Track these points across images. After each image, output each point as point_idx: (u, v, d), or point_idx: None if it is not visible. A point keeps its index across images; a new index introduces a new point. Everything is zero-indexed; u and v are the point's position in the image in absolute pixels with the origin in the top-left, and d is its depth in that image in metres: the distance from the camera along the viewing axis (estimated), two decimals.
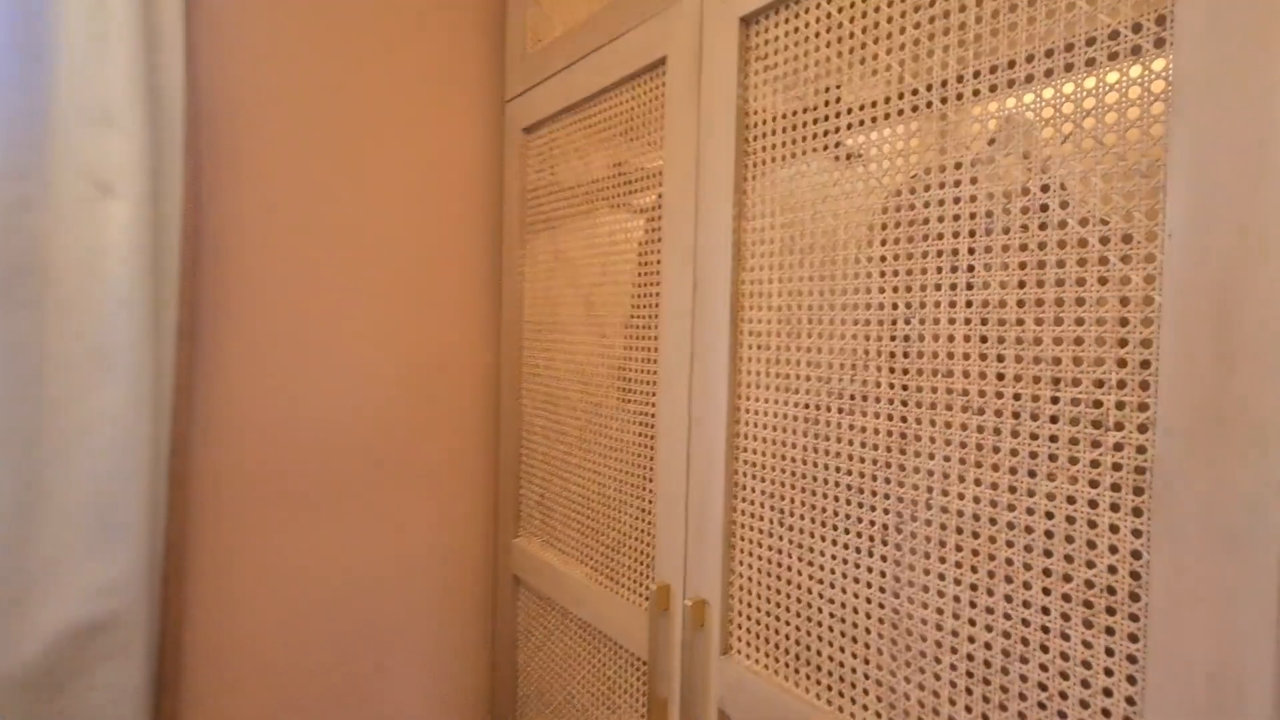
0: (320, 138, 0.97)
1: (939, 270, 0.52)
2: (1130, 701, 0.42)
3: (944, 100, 0.52)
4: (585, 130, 0.93)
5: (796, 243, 0.63)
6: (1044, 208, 0.46)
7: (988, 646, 0.49)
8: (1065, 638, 0.45)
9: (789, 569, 0.64)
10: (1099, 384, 0.44)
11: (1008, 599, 0.48)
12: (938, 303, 0.52)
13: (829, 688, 0.61)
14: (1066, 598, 0.45)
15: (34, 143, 0.72)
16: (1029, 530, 0.47)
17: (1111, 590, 0.43)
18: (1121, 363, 0.43)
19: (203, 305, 0.90)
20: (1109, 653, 0.43)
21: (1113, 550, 0.43)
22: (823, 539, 0.61)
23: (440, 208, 1.08)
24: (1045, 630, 0.46)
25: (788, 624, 0.64)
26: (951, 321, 0.51)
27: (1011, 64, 0.48)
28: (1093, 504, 0.44)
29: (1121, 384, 0.43)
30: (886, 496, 0.56)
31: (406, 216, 1.05)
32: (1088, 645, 0.44)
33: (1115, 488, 0.43)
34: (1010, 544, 0.48)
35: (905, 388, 0.55)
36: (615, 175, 0.88)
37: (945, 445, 0.52)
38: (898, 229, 0.55)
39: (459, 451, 1.12)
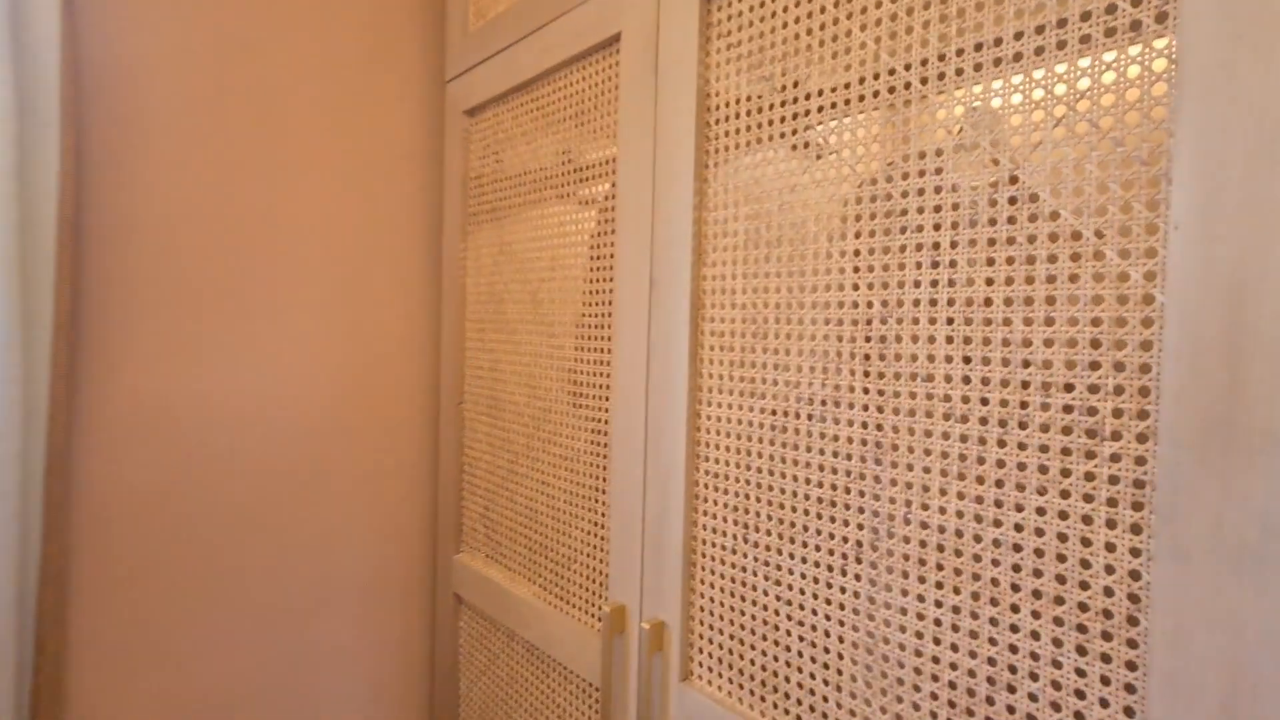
0: (233, 114, 0.87)
1: (918, 265, 0.48)
2: None
3: (924, 81, 0.48)
4: (533, 113, 0.86)
5: (762, 235, 0.59)
6: (1034, 197, 0.43)
7: (971, 674, 0.45)
8: (1057, 665, 0.42)
9: (754, 588, 0.59)
10: (1094, 389, 0.40)
11: (993, 622, 0.44)
12: (916, 300, 0.48)
13: (797, 717, 0.56)
14: (1058, 621, 0.42)
15: None
16: (1017, 548, 0.43)
17: (1108, 614, 0.40)
18: (1119, 366, 0.39)
19: (86, 300, 0.79)
20: (1104, 681, 0.40)
21: (1109, 570, 0.40)
22: (791, 556, 0.56)
23: (373, 195, 0.99)
24: (1035, 657, 0.43)
25: (753, 648, 0.59)
26: (931, 321, 0.47)
27: (998, 41, 0.44)
28: (1087, 520, 0.40)
29: (1119, 390, 0.39)
30: (860, 510, 0.51)
31: (334, 204, 0.95)
32: (1081, 673, 0.41)
33: (1112, 502, 0.39)
34: (996, 562, 0.44)
35: (881, 392, 0.50)
36: (565, 162, 0.81)
37: (924, 455, 0.48)
38: (872, 220, 0.51)
39: (394, 461, 1.03)
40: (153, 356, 0.83)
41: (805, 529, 0.55)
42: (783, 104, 0.57)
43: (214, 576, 0.88)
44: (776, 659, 0.58)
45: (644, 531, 0.68)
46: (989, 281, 0.45)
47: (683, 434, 0.64)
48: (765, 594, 0.58)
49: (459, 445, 1.01)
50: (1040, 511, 0.42)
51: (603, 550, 0.75)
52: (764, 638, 0.58)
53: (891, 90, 0.50)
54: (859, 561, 0.52)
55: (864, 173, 0.51)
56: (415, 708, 1.07)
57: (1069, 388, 0.41)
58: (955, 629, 0.46)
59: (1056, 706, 0.42)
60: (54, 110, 0.69)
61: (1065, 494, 0.41)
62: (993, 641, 0.44)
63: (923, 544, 0.48)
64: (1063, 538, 0.41)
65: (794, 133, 0.56)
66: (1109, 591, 0.39)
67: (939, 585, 0.47)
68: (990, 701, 0.45)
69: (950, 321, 0.46)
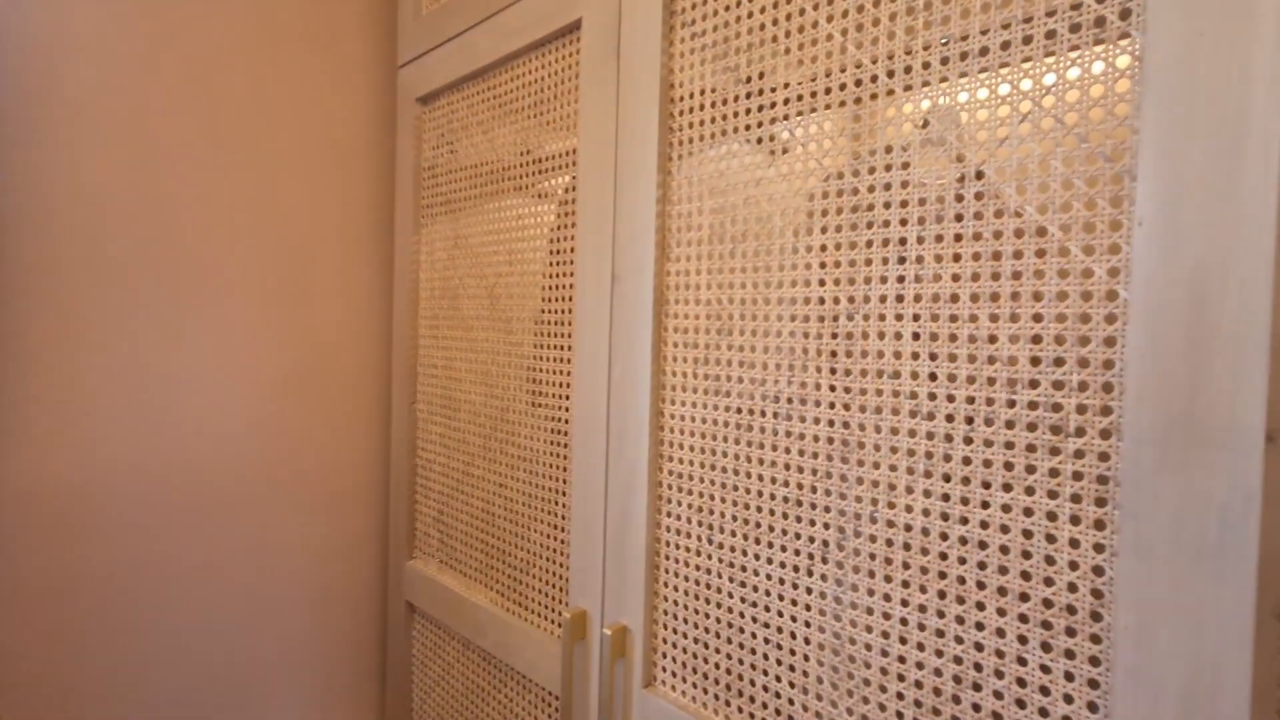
0: (164, 94, 0.81)
1: (884, 261, 0.48)
2: None
3: (890, 74, 0.47)
4: (490, 102, 0.83)
5: (727, 230, 0.57)
6: (999, 193, 0.42)
7: (938, 673, 0.45)
8: (1022, 662, 0.42)
9: (719, 590, 0.58)
10: (1058, 386, 0.40)
11: (959, 620, 0.44)
12: (883, 297, 0.48)
13: None
14: (1023, 618, 0.41)
15: None
16: (983, 546, 0.43)
17: (1072, 610, 0.40)
18: (1083, 363, 0.39)
19: (1, 289, 0.72)
20: (1069, 677, 0.40)
21: (1073, 567, 0.40)
22: (756, 557, 0.55)
23: (319, 184, 0.94)
24: (1000, 654, 0.42)
25: (718, 651, 0.58)
26: (898, 318, 0.47)
27: (965, 36, 0.44)
28: (1051, 516, 0.40)
29: (1083, 386, 0.39)
30: (827, 509, 0.51)
31: (276, 193, 0.90)
32: (1046, 670, 0.41)
33: (1076, 499, 0.39)
34: (963, 560, 0.44)
35: (848, 390, 0.50)
36: (524, 153, 0.79)
37: (891, 453, 0.47)
38: (839, 216, 0.50)
39: (343, 464, 0.98)
40: (74, 350, 0.76)
41: (771, 529, 0.54)
42: (748, 96, 0.56)
43: (146, 585, 0.82)
44: (742, 662, 0.56)
45: (606, 534, 0.66)
46: (955, 278, 0.44)
47: (646, 433, 0.62)
48: (730, 596, 0.57)
49: (412, 446, 0.97)
50: (1006, 509, 0.42)
51: (563, 554, 0.73)
52: (729, 640, 0.57)
53: (859, 84, 0.49)
54: (825, 561, 0.51)
55: (830, 167, 0.51)
56: (367, 718, 1.03)
57: (1034, 384, 0.41)
58: (922, 628, 0.46)
59: (1021, 704, 0.42)
60: None
61: (1030, 491, 0.41)
62: (959, 640, 0.44)
63: (889, 543, 0.47)
64: (1028, 534, 0.41)
65: (759, 125, 0.55)
66: (1073, 587, 0.40)
67: (905, 584, 0.47)
68: (956, 700, 0.44)
69: (917, 318, 0.46)
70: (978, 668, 0.43)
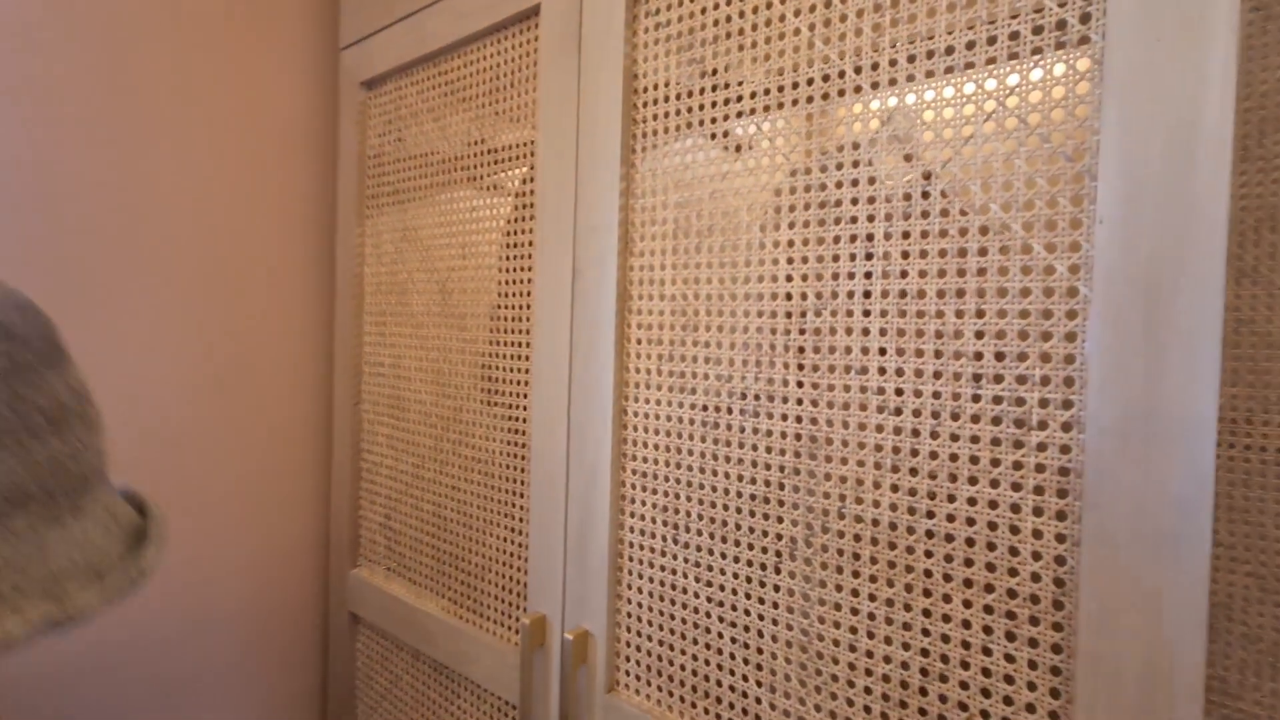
0: (73, 69, 0.74)
1: (851, 257, 0.48)
2: (1053, 716, 0.40)
3: (858, 70, 0.47)
4: (442, 88, 0.80)
5: (693, 224, 0.56)
6: (965, 190, 0.43)
7: (905, 666, 0.45)
8: (987, 652, 0.42)
9: (684, 590, 0.57)
10: (1021, 380, 0.41)
11: (926, 614, 0.45)
12: (850, 293, 0.48)
13: None
14: (988, 609, 0.42)
15: None
16: (949, 539, 0.44)
17: (1035, 599, 0.41)
18: (1045, 358, 0.40)
19: None
20: (1032, 665, 0.41)
21: (1036, 557, 0.40)
22: (723, 556, 0.55)
23: (255, 173, 0.88)
24: (966, 645, 0.43)
25: (683, 653, 0.57)
26: (865, 313, 0.47)
27: (930, 36, 0.44)
28: (1015, 508, 0.41)
29: (1045, 380, 0.40)
30: (795, 506, 0.51)
31: (204, 180, 0.84)
32: (1010, 659, 0.41)
33: (1039, 490, 0.40)
34: (929, 554, 0.44)
35: (815, 386, 0.49)
36: (478, 142, 0.76)
37: (859, 449, 0.47)
38: (806, 211, 0.50)
39: (281, 468, 0.92)
40: None
41: (738, 527, 0.54)
42: (714, 89, 0.55)
43: None
44: (708, 662, 0.56)
45: (567, 536, 0.64)
46: (922, 274, 0.45)
47: (609, 432, 0.61)
48: (696, 596, 0.56)
49: (355, 449, 0.92)
50: (971, 502, 0.43)
51: (521, 558, 0.70)
52: (694, 641, 0.56)
53: (825, 79, 0.49)
54: (793, 559, 0.51)
55: (797, 163, 0.50)
56: None
57: (998, 379, 0.42)
58: (889, 622, 0.46)
59: (986, 693, 0.42)
60: None
61: (995, 483, 0.42)
62: (925, 632, 0.45)
63: (857, 538, 0.48)
64: (992, 526, 0.42)
65: (725, 119, 0.54)
66: (1036, 577, 0.40)
67: (873, 579, 0.47)
68: (924, 692, 0.45)
69: (884, 313, 0.46)
70: (944, 659, 0.44)
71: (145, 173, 0.79)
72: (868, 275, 0.47)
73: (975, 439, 0.43)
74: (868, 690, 0.47)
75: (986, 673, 0.42)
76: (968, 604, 0.43)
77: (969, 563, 0.43)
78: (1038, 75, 0.40)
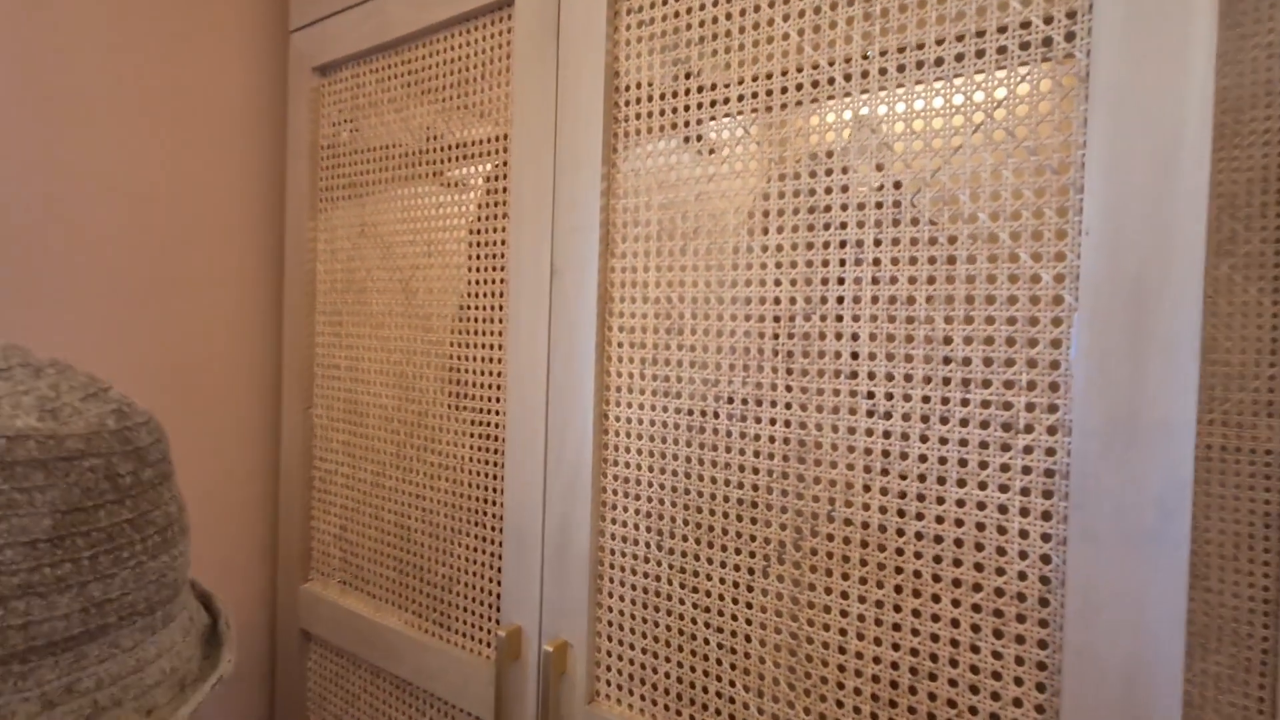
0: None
1: (841, 263, 0.48)
2: (1039, 710, 0.41)
3: (848, 78, 0.48)
4: (404, 77, 0.76)
5: (678, 226, 0.56)
6: (954, 199, 0.44)
7: (894, 666, 0.46)
8: (975, 650, 0.43)
9: (669, 597, 0.56)
10: (1009, 385, 0.42)
11: (916, 614, 0.46)
12: (840, 298, 0.48)
13: None
14: (976, 608, 0.43)
15: None
16: (938, 540, 0.45)
17: (1021, 597, 0.42)
18: (1032, 363, 0.41)
19: None
20: (1019, 661, 0.42)
21: (1023, 556, 0.42)
22: (709, 561, 0.54)
23: (194, 162, 0.82)
24: (955, 644, 0.44)
25: (668, 660, 0.56)
26: (855, 319, 0.48)
27: (921, 45, 0.45)
28: (1003, 509, 0.42)
29: (1032, 385, 0.41)
30: (784, 510, 0.51)
31: (140, 171, 0.77)
32: (998, 655, 0.43)
33: (1025, 492, 0.42)
34: (919, 555, 0.45)
35: (804, 390, 0.50)
36: (444, 135, 0.73)
37: (849, 452, 0.48)
38: (795, 216, 0.50)
39: (223, 478, 0.86)
40: None
41: (725, 532, 0.53)
42: (699, 90, 0.54)
43: None
44: (694, 669, 0.55)
45: (544, 545, 0.62)
46: (911, 280, 0.45)
47: (589, 436, 0.59)
48: (681, 602, 0.56)
49: (307, 456, 0.87)
50: (960, 503, 0.44)
51: (493, 568, 0.68)
52: (679, 648, 0.56)
53: (815, 85, 0.49)
54: (782, 562, 0.51)
55: (786, 168, 0.51)
56: None
57: (986, 383, 0.43)
58: (879, 623, 0.47)
59: (975, 689, 0.43)
60: None
61: (983, 485, 0.43)
62: (915, 632, 0.46)
63: (846, 540, 0.48)
64: (980, 527, 0.43)
65: (711, 120, 0.54)
66: (1023, 575, 0.42)
67: (863, 581, 0.47)
68: (913, 691, 0.46)
69: (874, 319, 0.47)
70: (933, 658, 0.45)
71: (68, 161, 0.72)
72: (857, 281, 0.47)
73: (964, 442, 0.44)
74: (857, 691, 0.48)
75: (975, 669, 0.43)
76: (956, 603, 0.44)
77: (958, 563, 0.44)
78: (1025, 89, 0.41)
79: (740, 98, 0.52)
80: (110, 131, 0.74)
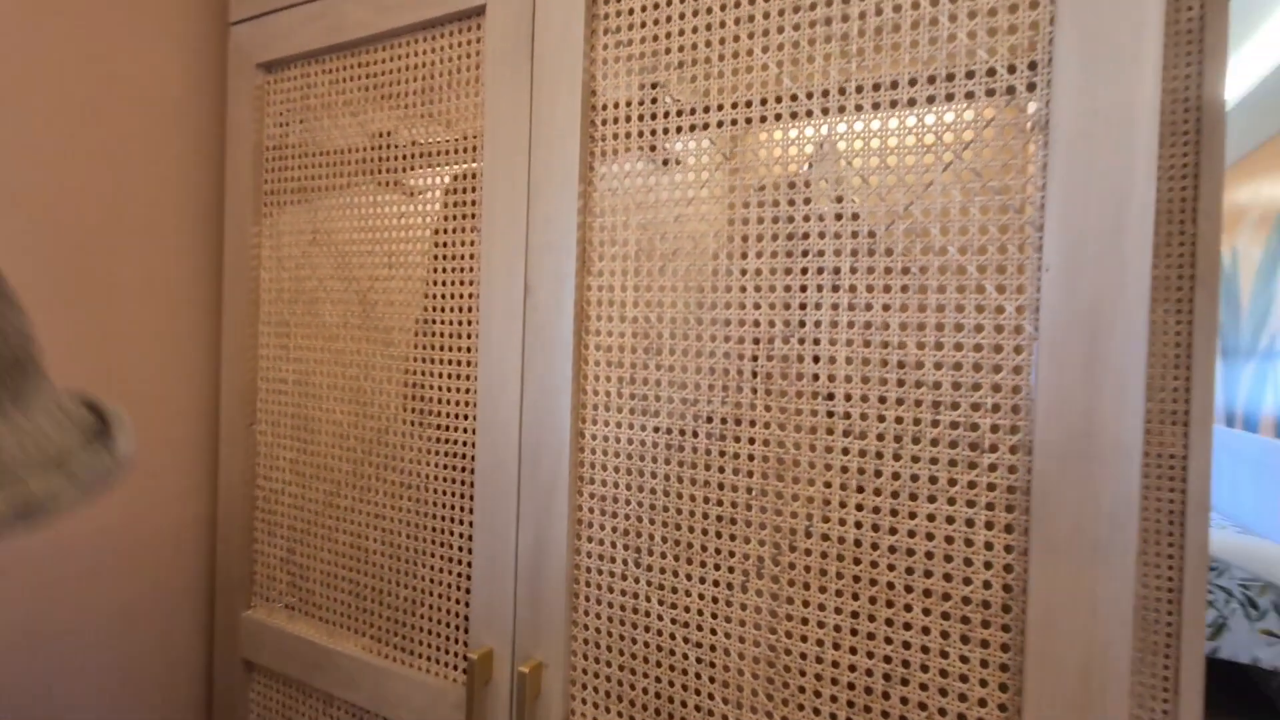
0: None
1: (819, 289, 0.50)
2: (1002, 709, 0.44)
3: (825, 111, 0.50)
4: (362, 80, 0.73)
5: (656, 247, 0.56)
6: (925, 232, 0.47)
7: (869, 673, 0.49)
8: (944, 655, 0.46)
9: (647, 614, 0.57)
10: (975, 407, 0.45)
11: (888, 623, 0.48)
12: (817, 322, 0.50)
13: None
14: (945, 616, 0.46)
15: None
16: (909, 553, 0.47)
17: (986, 604, 0.45)
18: (996, 387, 0.45)
19: None
20: (984, 664, 0.45)
21: (987, 566, 0.45)
22: (688, 577, 0.55)
23: (117, 161, 0.75)
24: (925, 650, 0.47)
25: (645, 675, 0.57)
26: (832, 342, 0.50)
27: (894, 84, 0.48)
28: (969, 523, 0.45)
29: (996, 407, 0.45)
30: (763, 526, 0.52)
31: (55, 169, 0.71)
32: (964, 660, 0.46)
33: (990, 507, 0.45)
34: (891, 567, 0.48)
35: (783, 410, 0.51)
36: (409, 144, 0.70)
37: (825, 470, 0.50)
38: (774, 242, 0.52)
39: (155, 502, 0.80)
40: None
41: (704, 548, 0.55)
42: (679, 114, 0.55)
43: None
44: (672, 683, 0.56)
45: (518, 564, 0.61)
46: (885, 307, 0.48)
47: (566, 455, 0.59)
48: (660, 619, 0.56)
49: (249, 476, 0.82)
50: (930, 518, 0.47)
51: (461, 589, 0.66)
52: (658, 664, 0.56)
53: (794, 115, 0.51)
54: (760, 577, 0.52)
55: (765, 195, 0.52)
56: None
57: (955, 406, 0.46)
58: (854, 633, 0.49)
59: (944, 692, 0.46)
60: None
61: (951, 501, 0.46)
62: (888, 640, 0.48)
63: (823, 555, 0.50)
64: (949, 540, 0.46)
65: (690, 143, 0.55)
66: (987, 585, 0.45)
67: (839, 593, 0.50)
68: (886, 696, 0.48)
69: (849, 343, 0.49)
70: (905, 664, 0.47)
71: None
72: (834, 306, 0.50)
73: (934, 460, 0.46)
74: (833, 699, 0.50)
75: (944, 674, 0.46)
76: (927, 611, 0.47)
77: (928, 574, 0.47)
78: (990, 134, 0.45)
79: (720, 124, 0.54)
80: (19, 123, 0.68)
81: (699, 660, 0.55)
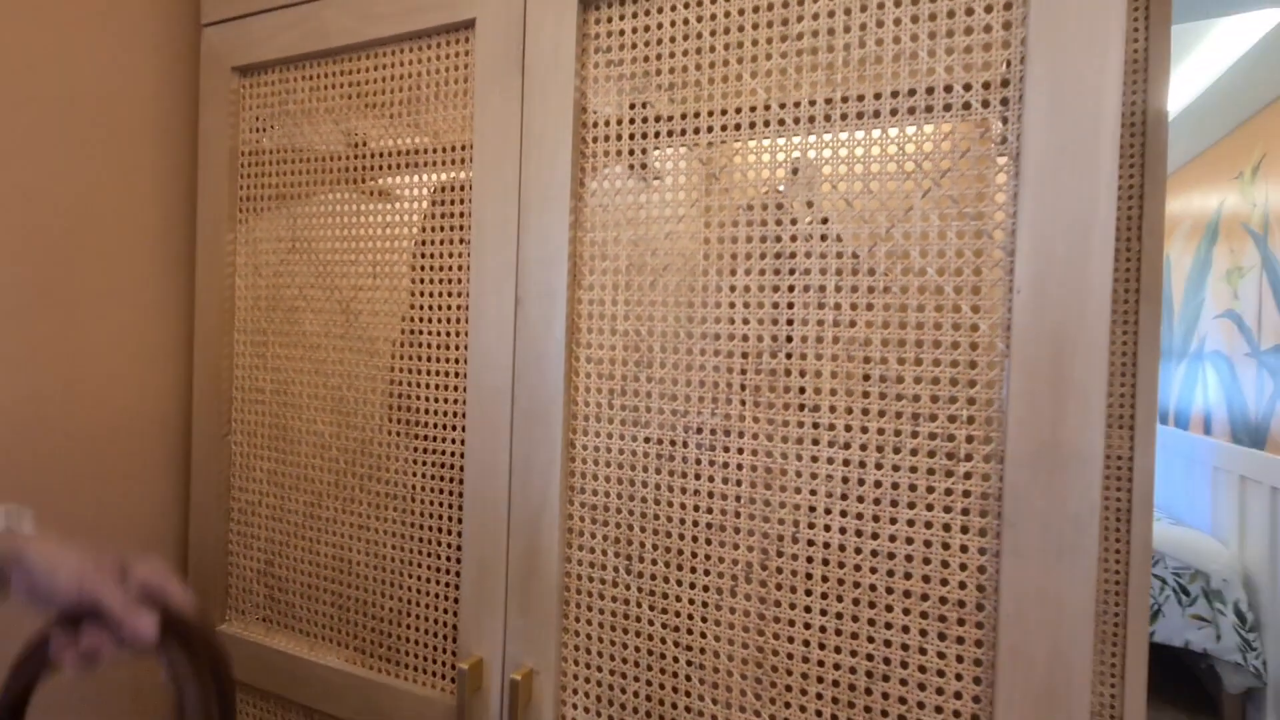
0: None
1: (805, 306, 0.53)
2: (976, 700, 0.48)
3: (810, 133, 0.52)
4: (345, 89, 0.72)
5: (647, 262, 0.58)
6: (906, 254, 0.50)
7: (852, 670, 0.51)
8: (923, 652, 0.49)
9: (638, 619, 0.58)
10: (952, 420, 0.48)
11: (870, 623, 0.51)
12: (804, 337, 0.53)
13: None
14: (924, 615, 0.49)
15: None
16: (891, 556, 0.50)
17: (961, 604, 0.48)
18: (971, 401, 0.48)
19: None
20: (959, 659, 0.48)
21: (963, 568, 0.48)
22: (679, 583, 0.57)
23: (81, 160, 0.73)
24: (905, 648, 0.50)
25: (636, 679, 0.59)
26: (818, 357, 0.52)
27: (876, 114, 0.50)
28: (946, 528, 0.49)
29: (971, 420, 0.48)
30: (751, 533, 0.54)
31: (20, 170, 0.68)
32: (941, 656, 0.49)
33: (965, 513, 0.48)
34: (874, 570, 0.51)
35: (770, 421, 0.54)
36: (393, 154, 0.70)
37: (812, 479, 0.52)
38: (762, 260, 0.54)
39: (121, 515, 0.78)
40: None
41: (694, 555, 0.56)
42: (670, 134, 0.57)
43: None
44: (663, 686, 0.58)
45: (508, 574, 0.62)
46: (868, 324, 0.51)
47: (557, 465, 0.60)
48: (650, 623, 0.58)
49: (224, 487, 0.80)
50: (910, 524, 0.50)
51: (449, 598, 0.67)
52: (649, 667, 0.58)
53: (781, 137, 0.53)
54: (749, 581, 0.55)
55: (754, 214, 0.54)
56: None
57: (933, 418, 0.49)
58: (839, 633, 0.52)
59: (922, 686, 0.49)
60: None
61: (930, 507, 0.49)
62: (870, 639, 0.51)
63: (809, 560, 0.53)
64: (927, 544, 0.49)
65: (680, 160, 0.57)
66: (963, 585, 0.48)
67: (824, 596, 0.52)
68: (869, 692, 0.51)
69: (834, 358, 0.52)
70: (886, 661, 0.50)
71: None
72: (820, 322, 0.52)
73: (914, 469, 0.49)
74: (819, 696, 0.52)
75: (923, 669, 0.49)
76: (906, 611, 0.50)
77: (907, 576, 0.50)
78: (966, 164, 0.48)
79: (710, 145, 0.56)
80: None
81: (689, 663, 0.57)
